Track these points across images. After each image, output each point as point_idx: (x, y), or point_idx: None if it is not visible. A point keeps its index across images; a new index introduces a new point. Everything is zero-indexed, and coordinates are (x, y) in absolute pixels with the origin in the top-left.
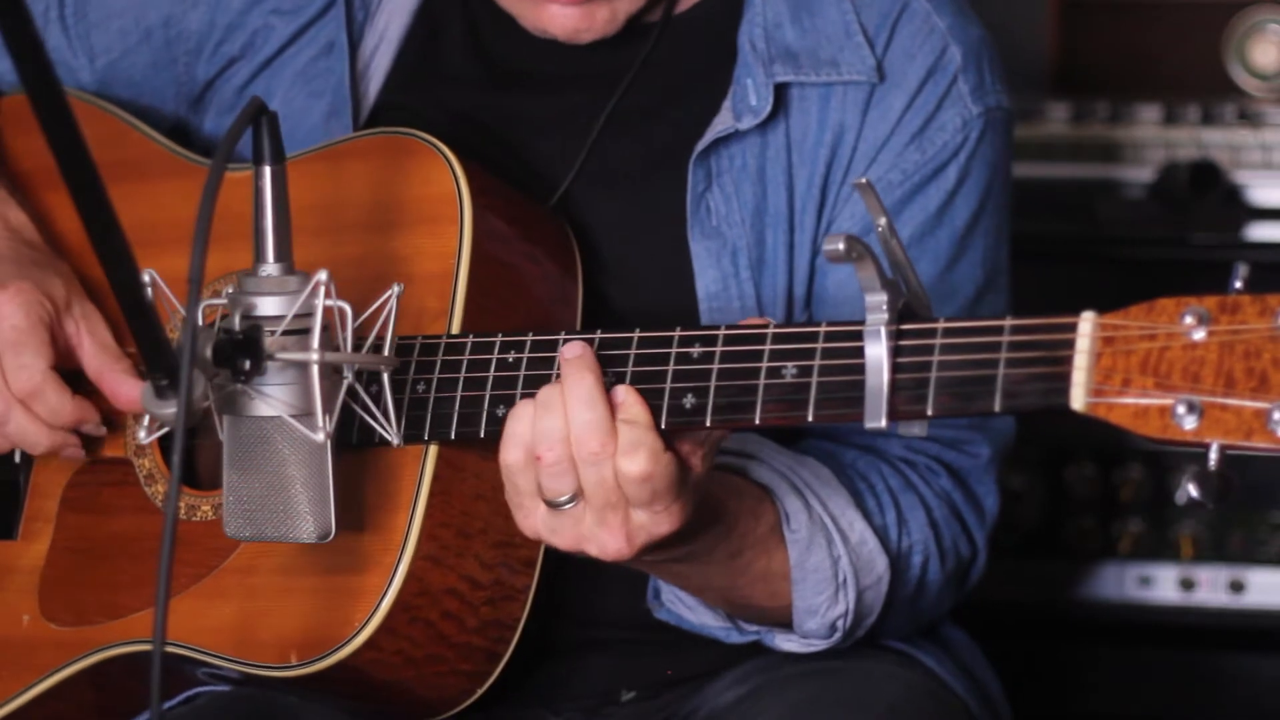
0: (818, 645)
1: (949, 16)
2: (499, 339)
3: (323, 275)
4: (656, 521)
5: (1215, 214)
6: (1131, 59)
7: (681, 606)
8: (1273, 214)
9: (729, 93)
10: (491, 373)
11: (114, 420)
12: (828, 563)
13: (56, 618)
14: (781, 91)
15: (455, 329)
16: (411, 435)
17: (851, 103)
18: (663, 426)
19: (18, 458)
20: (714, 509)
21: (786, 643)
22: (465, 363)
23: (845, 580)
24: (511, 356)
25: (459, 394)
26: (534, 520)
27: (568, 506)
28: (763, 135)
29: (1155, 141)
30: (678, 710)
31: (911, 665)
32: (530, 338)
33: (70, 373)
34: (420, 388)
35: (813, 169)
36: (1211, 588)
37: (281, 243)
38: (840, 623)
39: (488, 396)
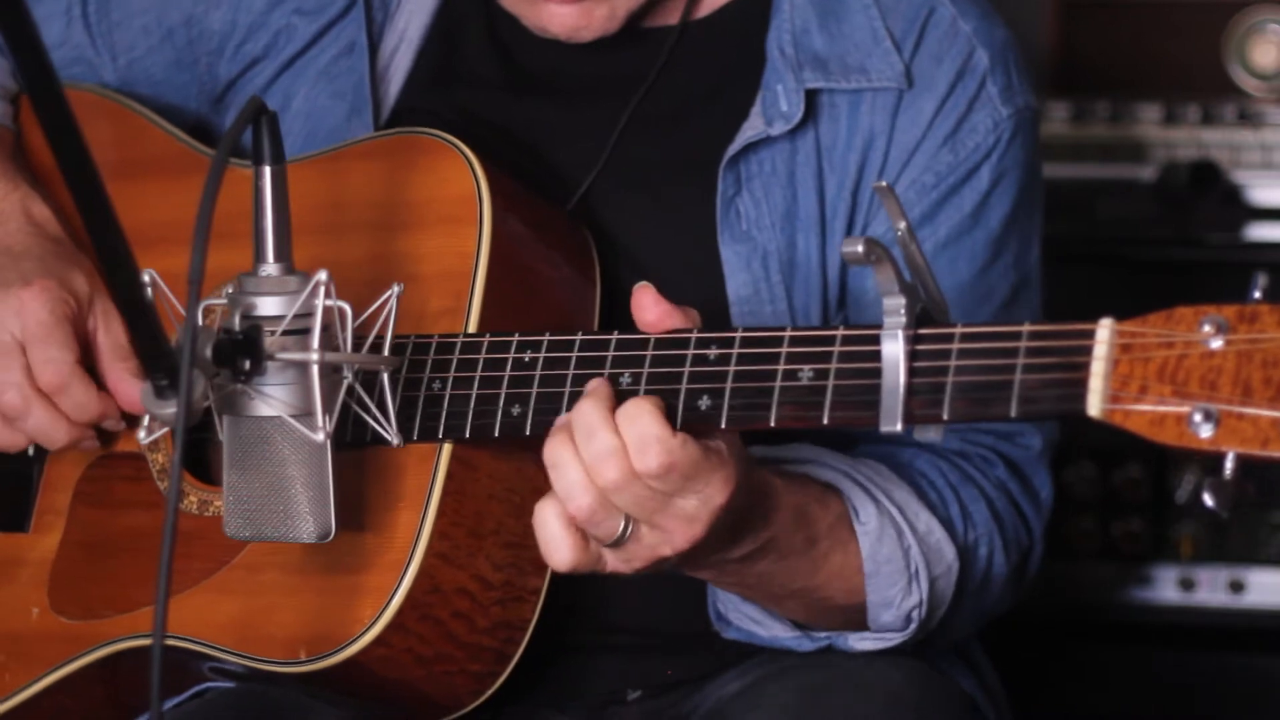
0: (893, 639)
1: (974, 20)
2: (515, 339)
3: (322, 275)
4: (707, 497)
5: (1215, 214)
6: (1131, 59)
7: (750, 623)
8: (1273, 214)
9: (758, 98)
10: (507, 372)
11: (132, 415)
12: (899, 553)
13: (66, 611)
14: (812, 98)
15: (472, 329)
16: (427, 430)
17: (881, 108)
18: (678, 426)
19: (31, 450)
20: (779, 491)
21: (860, 642)
22: (481, 361)
23: (917, 570)
24: (528, 356)
25: (474, 392)
26: (612, 564)
27: (628, 535)
28: (792, 141)
29: (1155, 141)
30: (683, 706)
31: (914, 654)
32: (547, 338)
33: (93, 369)
34: (436, 386)
35: (843, 175)
36: (1211, 588)
37: (281, 243)
38: (915, 613)
39: (503, 395)
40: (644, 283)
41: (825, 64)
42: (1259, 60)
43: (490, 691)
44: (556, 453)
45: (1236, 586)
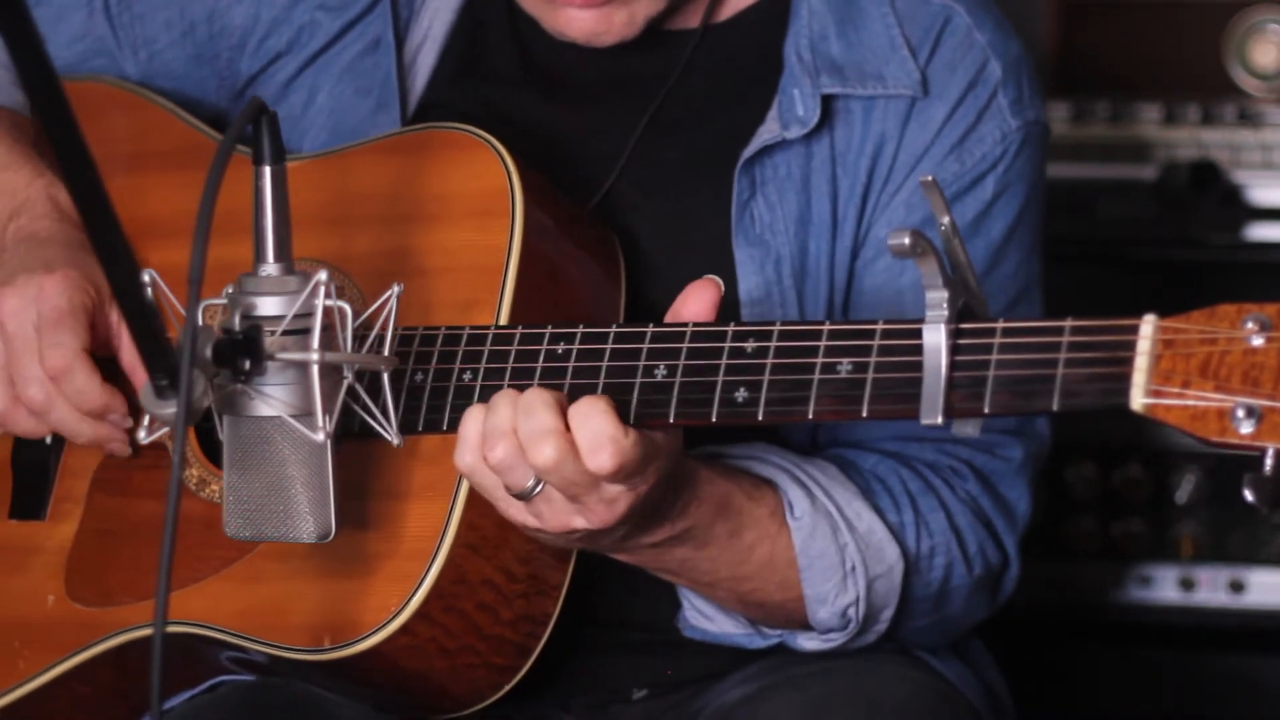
0: (837, 639)
1: (989, 31)
2: (549, 330)
3: (322, 275)
4: (634, 485)
5: (1215, 214)
6: (1131, 59)
7: (703, 619)
8: (1273, 214)
9: (775, 102)
10: (540, 364)
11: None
12: (833, 549)
13: (82, 598)
14: (827, 103)
15: (502, 323)
16: (456, 421)
17: (893, 114)
18: (714, 420)
19: (49, 438)
20: (702, 482)
21: (808, 641)
22: (514, 353)
23: (853, 567)
24: (561, 348)
25: (506, 384)
26: (515, 513)
27: (537, 491)
28: (807, 145)
29: (1155, 141)
30: (686, 708)
31: (919, 666)
32: (581, 329)
33: (107, 362)
34: (467, 377)
35: (854, 179)
36: (1211, 588)
37: (281, 243)
38: (852, 611)
39: (535, 388)
40: (716, 279)
41: (842, 70)
42: (1259, 60)
43: (509, 686)
44: (497, 399)
45: (1236, 586)
